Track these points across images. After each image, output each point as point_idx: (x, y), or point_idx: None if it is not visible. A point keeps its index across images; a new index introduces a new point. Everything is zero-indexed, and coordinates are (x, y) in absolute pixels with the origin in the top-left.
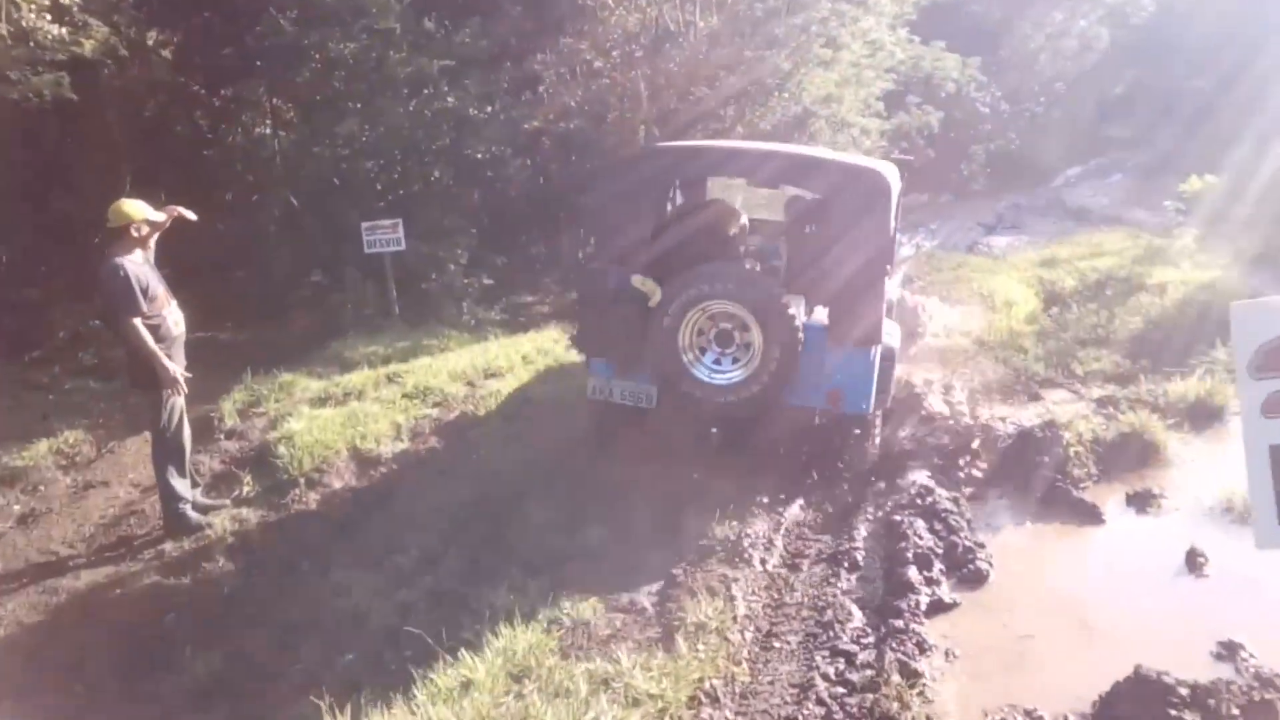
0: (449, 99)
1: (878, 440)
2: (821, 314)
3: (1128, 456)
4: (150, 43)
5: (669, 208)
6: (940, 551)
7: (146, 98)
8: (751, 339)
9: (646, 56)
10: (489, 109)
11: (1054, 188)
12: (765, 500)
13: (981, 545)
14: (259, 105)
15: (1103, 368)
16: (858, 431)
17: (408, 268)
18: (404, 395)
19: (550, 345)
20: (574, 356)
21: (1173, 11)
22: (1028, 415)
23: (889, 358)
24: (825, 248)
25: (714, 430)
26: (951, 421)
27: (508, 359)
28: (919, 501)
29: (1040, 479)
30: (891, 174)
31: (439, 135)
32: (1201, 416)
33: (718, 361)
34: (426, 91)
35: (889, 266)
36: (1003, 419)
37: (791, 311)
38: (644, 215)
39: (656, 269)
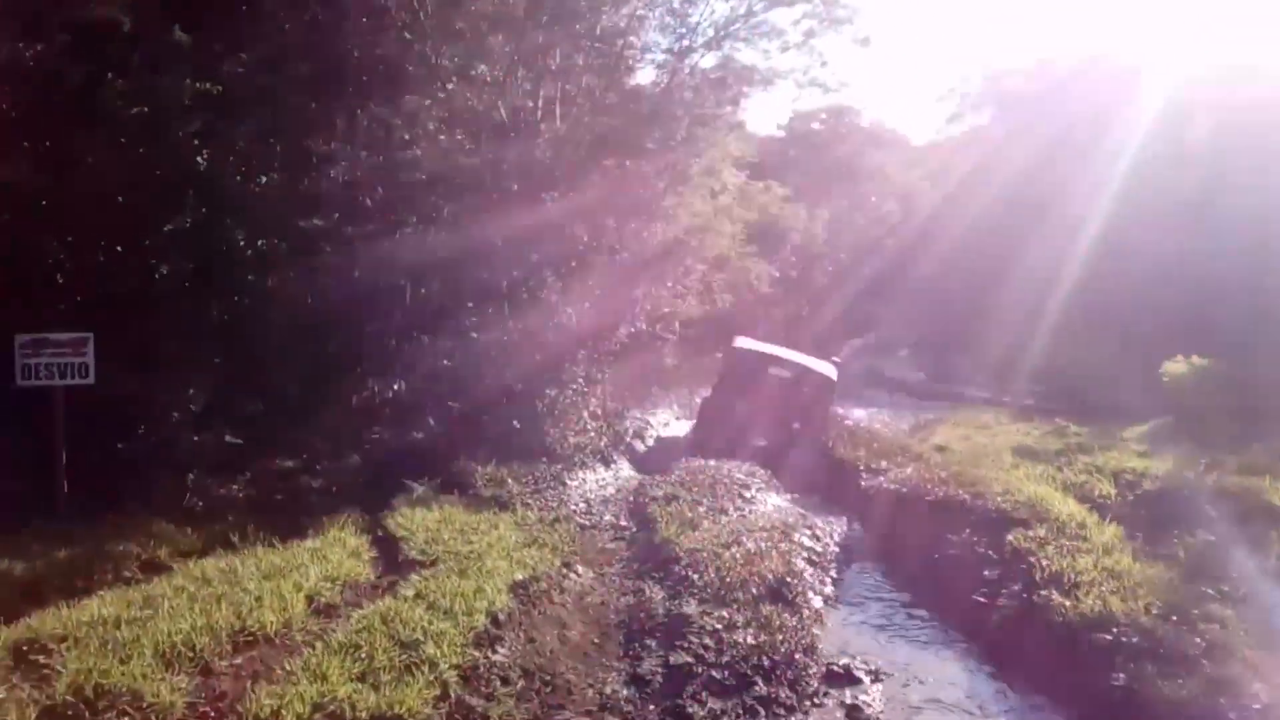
0: (201, 154)
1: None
2: None
3: None
4: None
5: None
6: None
7: None
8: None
9: (489, 146)
10: (261, 180)
11: (848, 358)
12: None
13: None
14: None
15: None
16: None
17: (95, 415)
18: (47, 709)
19: (353, 567)
20: (418, 613)
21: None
22: None
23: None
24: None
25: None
26: None
27: (277, 602)
28: None
29: None
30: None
31: (177, 206)
32: None
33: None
34: (163, 142)
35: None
36: None
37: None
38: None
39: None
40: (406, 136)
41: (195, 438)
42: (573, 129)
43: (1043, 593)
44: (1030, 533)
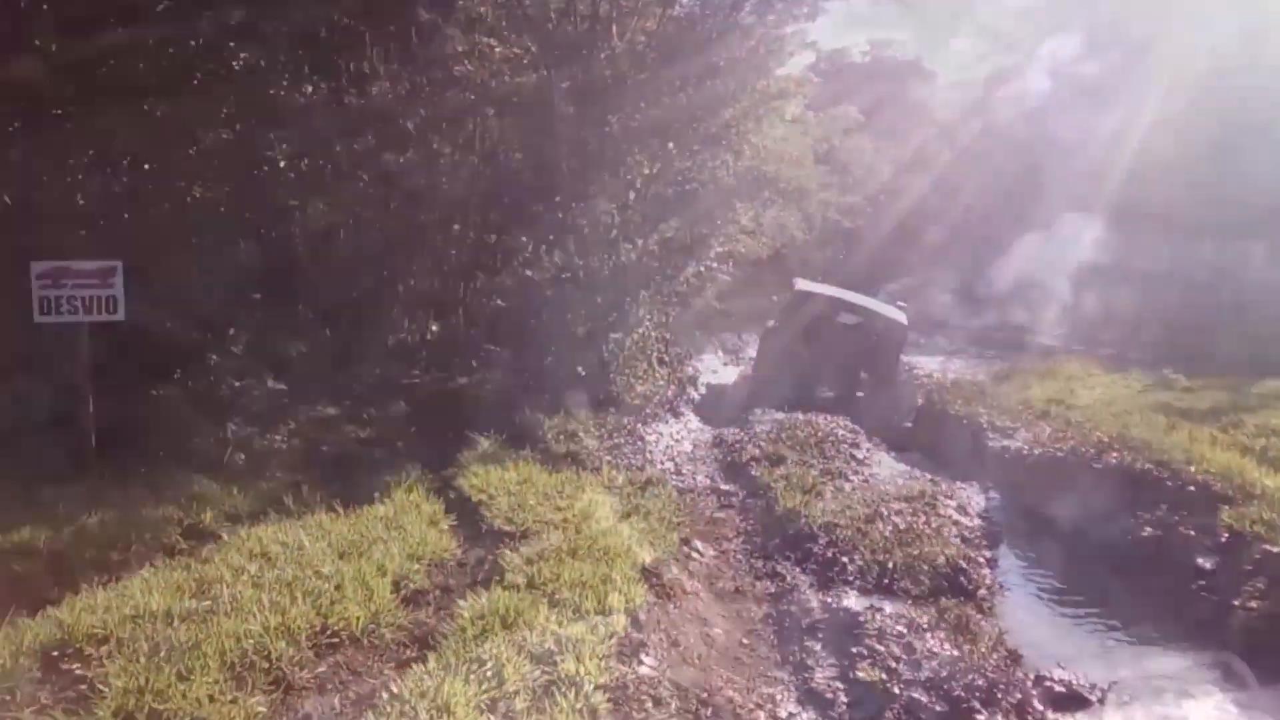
0: (239, 57)
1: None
2: None
3: None
4: None
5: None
6: None
7: None
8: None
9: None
10: (306, 90)
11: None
12: None
13: None
14: None
15: None
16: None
17: (123, 357)
18: None
19: (437, 541)
20: (543, 613)
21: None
22: None
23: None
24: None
25: None
26: None
27: (358, 585)
28: None
29: None
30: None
31: (213, 117)
32: None
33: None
34: (194, 42)
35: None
36: None
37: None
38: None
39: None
40: (460, 49)
41: (237, 383)
42: (636, 41)
43: None
44: (1246, 511)
